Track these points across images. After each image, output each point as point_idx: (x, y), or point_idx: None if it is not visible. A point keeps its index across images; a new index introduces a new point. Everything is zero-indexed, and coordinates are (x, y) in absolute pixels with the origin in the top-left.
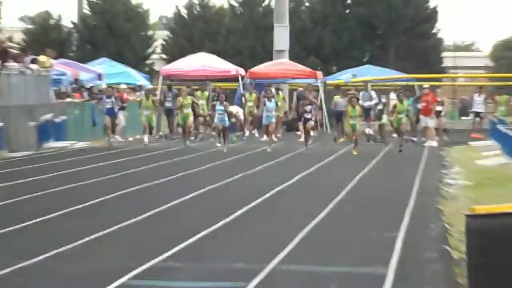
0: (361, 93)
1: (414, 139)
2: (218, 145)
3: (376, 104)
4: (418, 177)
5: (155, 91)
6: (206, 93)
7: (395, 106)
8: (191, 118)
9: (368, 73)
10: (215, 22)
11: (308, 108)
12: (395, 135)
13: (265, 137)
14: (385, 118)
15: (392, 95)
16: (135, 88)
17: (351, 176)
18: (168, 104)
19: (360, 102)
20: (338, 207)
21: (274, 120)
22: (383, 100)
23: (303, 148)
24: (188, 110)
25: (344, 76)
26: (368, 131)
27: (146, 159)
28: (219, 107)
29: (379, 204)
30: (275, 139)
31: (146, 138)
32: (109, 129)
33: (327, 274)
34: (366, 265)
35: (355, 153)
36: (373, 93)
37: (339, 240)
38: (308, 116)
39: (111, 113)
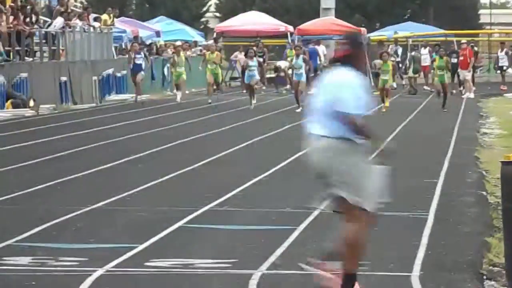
0: (390, 47)
1: (453, 91)
2: (251, 107)
3: (398, 62)
4: (457, 127)
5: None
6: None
7: (433, 61)
8: (184, 76)
9: (409, 29)
10: None
11: None
12: (426, 87)
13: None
14: (410, 72)
15: (423, 51)
16: (190, 45)
17: (393, 127)
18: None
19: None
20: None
21: (303, 78)
22: (412, 53)
23: None
24: (181, 69)
25: (387, 33)
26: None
27: (200, 112)
28: (251, 62)
29: (420, 152)
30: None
31: (178, 97)
32: (138, 85)
33: None
34: (408, 210)
35: (384, 110)
36: (399, 49)
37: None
38: None
39: (138, 69)
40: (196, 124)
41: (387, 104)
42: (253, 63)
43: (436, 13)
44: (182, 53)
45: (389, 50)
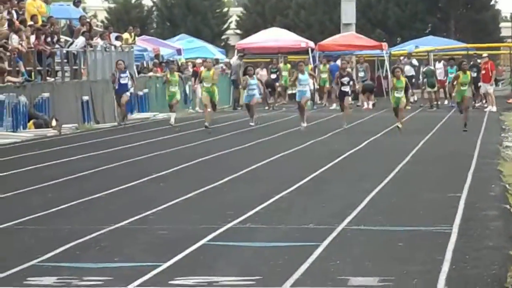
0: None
1: (475, 104)
2: (252, 124)
3: (412, 76)
4: (479, 140)
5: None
6: (289, 65)
7: (457, 78)
8: (178, 97)
9: (430, 43)
10: None
11: (345, 80)
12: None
13: (334, 106)
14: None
15: (438, 65)
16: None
17: (416, 141)
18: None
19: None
20: (404, 170)
21: (308, 94)
22: (424, 69)
23: (368, 116)
24: (175, 88)
25: (408, 47)
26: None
27: (221, 130)
28: (251, 81)
29: (443, 167)
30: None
31: (172, 118)
32: (123, 107)
33: (395, 233)
34: (431, 224)
35: (399, 125)
36: (407, 67)
37: (405, 201)
38: (346, 89)
39: (124, 90)
40: (216, 142)
41: (400, 124)
42: (253, 81)
43: (457, 27)
44: (176, 73)
45: (401, 64)
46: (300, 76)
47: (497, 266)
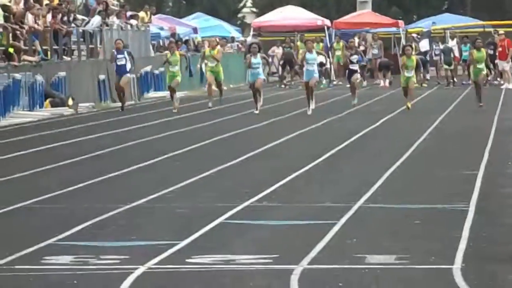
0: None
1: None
2: (256, 112)
3: (425, 53)
4: (496, 118)
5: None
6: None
7: (471, 55)
8: (178, 78)
9: (447, 21)
10: None
11: (354, 58)
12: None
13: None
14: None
15: (452, 42)
16: (227, 40)
17: (432, 119)
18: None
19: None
20: (420, 148)
21: (317, 75)
22: (441, 46)
23: (385, 94)
24: (175, 69)
25: (425, 23)
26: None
27: (237, 108)
28: (254, 60)
29: (460, 144)
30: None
31: (175, 102)
32: (121, 91)
33: (412, 211)
34: (448, 202)
35: (409, 105)
36: (422, 42)
37: (422, 178)
38: (355, 67)
39: (123, 71)
40: (231, 121)
41: (409, 104)
42: (257, 60)
43: (473, 4)
44: (177, 52)
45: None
46: (308, 55)
47: None
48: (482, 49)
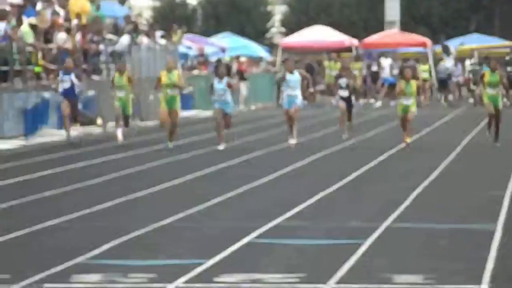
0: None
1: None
2: (220, 148)
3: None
4: None
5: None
6: (339, 64)
7: (482, 76)
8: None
9: (475, 41)
10: None
11: (343, 82)
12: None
13: (378, 103)
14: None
15: (467, 62)
16: (256, 61)
17: (459, 139)
18: None
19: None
20: (447, 168)
21: (298, 101)
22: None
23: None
24: (122, 94)
25: (453, 44)
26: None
27: (264, 127)
28: (218, 85)
29: (486, 165)
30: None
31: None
32: (67, 118)
33: (439, 231)
34: (476, 222)
35: (407, 140)
36: (447, 64)
37: (449, 198)
38: (344, 93)
39: (69, 95)
40: (259, 139)
41: (408, 140)
42: (221, 85)
43: (501, 25)
44: (126, 73)
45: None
46: (288, 76)
47: None
48: (497, 71)
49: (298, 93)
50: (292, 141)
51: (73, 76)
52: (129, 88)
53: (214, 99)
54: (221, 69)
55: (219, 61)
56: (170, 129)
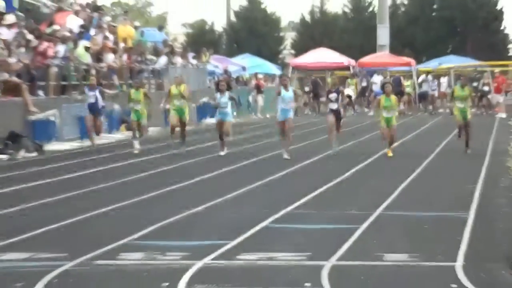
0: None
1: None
2: (221, 153)
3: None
4: (491, 142)
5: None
6: (355, 80)
7: (453, 92)
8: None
9: (451, 61)
10: (331, 24)
11: (333, 96)
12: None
13: (370, 112)
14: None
15: (443, 79)
16: (271, 77)
17: (438, 143)
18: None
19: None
20: (428, 167)
21: (291, 115)
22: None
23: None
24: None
25: (432, 64)
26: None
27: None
28: (222, 99)
29: (461, 164)
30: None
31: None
32: (90, 130)
33: (422, 218)
34: (453, 210)
35: (390, 154)
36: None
37: (430, 191)
38: (334, 106)
39: (93, 109)
40: (275, 142)
41: (390, 152)
42: (225, 99)
43: (473, 48)
44: (142, 89)
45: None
46: (283, 92)
47: (507, 245)
48: (466, 87)
49: (290, 107)
50: (286, 156)
51: (97, 92)
52: (145, 102)
53: (219, 110)
54: (222, 86)
55: (219, 80)
56: (178, 132)
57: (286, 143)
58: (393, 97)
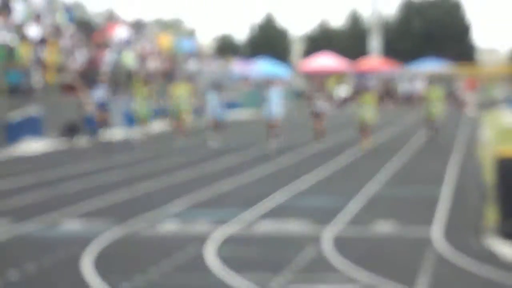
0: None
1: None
2: (214, 145)
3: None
4: (459, 133)
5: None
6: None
7: (426, 92)
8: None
9: (428, 66)
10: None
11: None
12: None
13: None
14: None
15: (417, 82)
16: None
17: (417, 137)
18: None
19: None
20: (410, 156)
21: (279, 113)
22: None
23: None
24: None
25: (413, 68)
26: None
27: (288, 129)
28: (209, 95)
29: (436, 150)
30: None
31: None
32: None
33: (404, 194)
34: (427, 189)
35: (364, 146)
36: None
37: (410, 175)
38: (316, 110)
39: (101, 106)
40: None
41: (364, 145)
42: (213, 96)
43: (447, 55)
44: (144, 88)
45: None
46: (271, 92)
47: (474, 216)
48: (437, 88)
49: (279, 106)
50: (272, 145)
51: (102, 89)
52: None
53: (210, 106)
54: (215, 85)
55: (215, 81)
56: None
57: (271, 141)
58: (367, 95)
